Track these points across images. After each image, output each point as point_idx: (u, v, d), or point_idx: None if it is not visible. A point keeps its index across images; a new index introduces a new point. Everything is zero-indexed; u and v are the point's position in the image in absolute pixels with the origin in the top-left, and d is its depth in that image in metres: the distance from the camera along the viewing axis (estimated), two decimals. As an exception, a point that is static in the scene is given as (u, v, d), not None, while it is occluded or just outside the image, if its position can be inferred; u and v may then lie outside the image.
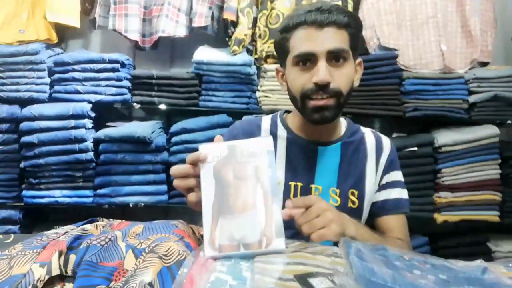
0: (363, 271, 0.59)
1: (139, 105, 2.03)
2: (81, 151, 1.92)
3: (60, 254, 0.58)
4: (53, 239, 0.64)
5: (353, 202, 1.01)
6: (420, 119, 2.05)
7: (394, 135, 2.11)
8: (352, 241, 0.71)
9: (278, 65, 1.04)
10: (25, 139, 1.91)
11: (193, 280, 0.54)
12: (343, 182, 1.01)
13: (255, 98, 2.03)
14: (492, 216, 2.00)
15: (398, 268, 0.64)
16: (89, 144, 1.94)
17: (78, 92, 1.97)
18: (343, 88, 0.91)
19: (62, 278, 0.57)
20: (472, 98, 2.00)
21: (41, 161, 1.92)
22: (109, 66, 1.97)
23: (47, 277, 0.54)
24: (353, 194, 1.01)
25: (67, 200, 1.97)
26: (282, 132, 1.05)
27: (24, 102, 1.96)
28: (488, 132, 1.98)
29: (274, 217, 0.66)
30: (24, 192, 1.97)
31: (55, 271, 0.55)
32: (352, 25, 0.92)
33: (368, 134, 1.09)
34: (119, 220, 0.79)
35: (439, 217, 1.99)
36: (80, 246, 0.60)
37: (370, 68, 1.99)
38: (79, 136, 1.90)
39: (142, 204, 1.98)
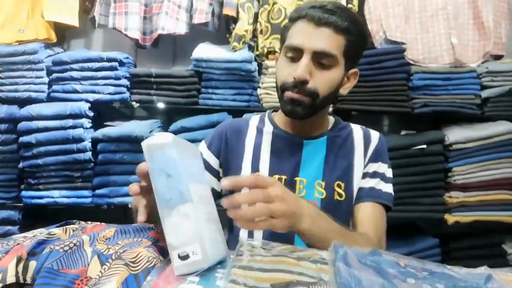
0: (348, 280, 0.54)
1: (137, 104, 2.00)
2: (79, 151, 1.91)
3: (19, 260, 0.54)
4: (18, 244, 0.61)
5: (339, 195, 0.97)
6: (430, 116, 1.99)
7: (403, 132, 2.04)
8: (341, 245, 0.66)
9: (278, 52, 1.04)
10: (23, 139, 1.91)
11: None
12: (328, 175, 0.98)
13: (256, 95, 1.98)
14: (507, 216, 1.92)
15: (390, 276, 0.58)
16: (87, 144, 1.92)
17: (76, 91, 1.96)
18: (322, 90, 0.90)
19: (21, 286, 0.53)
20: (485, 93, 1.93)
21: (40, 161, 1.91)
22: (107, 64, 1.95)
23: (1, 285, 0.50)
24: (339, 186, 0.98)
25: (65, 200, 1.96)
26: (268, 128, 1.05)
27: (22, 102, 1.96)
28: (502, 128, 1.90)
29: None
30: (23, 193, 1.97)
31: (11, 279, 0.52)
32: (353, 32, 0.89)
33: (357, 129, 1.07)
34: (95, 223, 0.75)
35: (450, 218, 1.92)
36: (43, 252, 0.57)
37: (376, 63, 1.93)
38: (76, 136, 1.89)
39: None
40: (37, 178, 1.95)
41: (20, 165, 1.94)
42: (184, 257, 0.55)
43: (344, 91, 0.97)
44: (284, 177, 0.98)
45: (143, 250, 0.58)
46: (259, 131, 1.05)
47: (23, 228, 2.00)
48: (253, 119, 1.09)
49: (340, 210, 0.96)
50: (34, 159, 1.92)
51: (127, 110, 2.23)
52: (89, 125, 1.95)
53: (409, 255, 0.72)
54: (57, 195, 1.95)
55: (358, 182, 1.00)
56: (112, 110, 2.14)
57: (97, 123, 2.01)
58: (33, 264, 0.55)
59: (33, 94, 1.97)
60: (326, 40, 0.87)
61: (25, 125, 1.89)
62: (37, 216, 2.09)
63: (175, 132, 1.95)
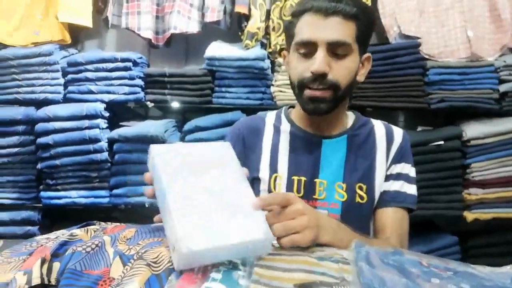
0: (372, 280, 0.53)
1: (152, 104, 2.01)
2: (96, 151, 1.93)
3: (44, 261, 0.55)
4: (41, 245, 0.61)
5: (361, 197, 0.95)
6: (447, 111, 1.96)
7: (419, 128, 2.01)
8: (363, 244, 0.65)
9: (285, 50, 1.02)
10: (41, 140, 1.93)
11: (180, 291, 0.50)
12: (349, 176, 0.96)
13: (270, 93, 1.98)
14: (527, 213, 1.88)
15: (413, 276, 0.57)
16: (104, 144, 1.94)
17: (91, 92, 1.98)
18: (342, 81, 0.88)
19: (45, 287, 0.54)
20: (502, 87, 1.89)
21: (57, 162, 1.94)
22: (121, 65, 1.97)
23: (26, 286, 0.51)
24: (361, 188, 0.95)
25: (83, 200, 1.98)
26: (285, 126, 1.03)
27: (39, 104, 1.99)
28: (521, 123, 1.86)
29: (252, 208, 0.62)
30: (42, 193, 2.00)
31: (36, 280, 0.52)
32: (361, 17, 0.87)
33: (378, 126, 1.03)
34: (115, 224, 0.75)
35: (469, 215, 1.89)
36: (66, 253, 0.57)
37: (390, 58, 1.90)
38: (93, 136, 1.91)
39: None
40: (55, 178, 1.98)
41: (38, 166, 1.96)
42: (173, 250, 0.56)
43: (360, 77, 0.95)
44: (303, 178, 0.96)
45: (164, 250, 0.58)
46: (276, 130, 1.03)
47: (42, 228, 2.03)
48: (269, 117, 1.07)
49: (361, 213, 0.95)
50: (51, 160, 1.94)
51: (141, 110, 2.25)
52: (105, 125, 1.96)
53: (428, 253, 0.71)
54: (75, 195, 1.98)
55: (380, 183, 0.97)
56: (127, 110, 2.16)
57: (112, 123, 2.02)
58: (56, 265, 0.55)
59: (49, 96, 2.00)
60: (338, 29, 0.85)
61: (42, 126, 1.92)
62: (56, 216, 2.11)
63: (190, 132, 1.95)
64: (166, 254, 0.57)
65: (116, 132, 1.94)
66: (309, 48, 0.87)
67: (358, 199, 0.95)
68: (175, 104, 2.01)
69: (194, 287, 0.52)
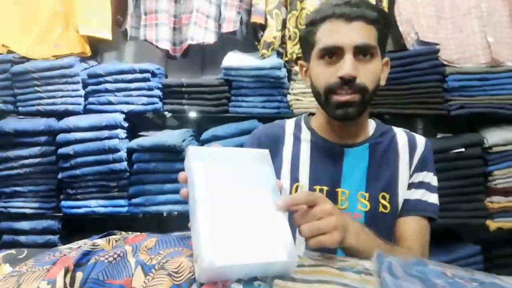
0: (395, 292, 0.52)
1: (170, 114, 2.04)
2: (115, 161, 1.95)
3: (67, 271, 0.55)
4: (64, 255, 0.62)
5: (384, 207, 0.94)
6: (467, 118, 1.92)
7: (439, 135, 1.98)
8: (385, 255, 0.64)
9: (302, 60, 1.01)
10: (62, 150, 1.97)
11: (202, 301, 0.50)
12: (372, 186, 0.95)
13: (286, 102, 1.98)
14: (552, 221, 1.82)
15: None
16: (123, 154, 1.96)
17: (111, 103, 2.01)
18: (369, 84, 0.88)
19: (68, 297, 0.54)
20: (524, 93, 1.84)
21: (77, 172, 1.97)
22: (139, 76, 1.99)
23: (50, 296, 0.51)
24: (384, 198, 0.94)
25: (102, 210, 2.00)
26: (305, 135, 1.02)
27: (60, 115, 2.03)
28: (544, 129, 1.81)
29: (280, 226, 0.60)
30: (63, 203, 2.02)
31: (59, 290, 0.53)
32: (381, 21, 0.89)
33: (400, 134, 1.02)
34: (136, 233, 0.76)
35: (492, 224, 1.84)
36: (88, 263, 0.58)
37: (408, 65, 1.88)
38: (112, 146, 1.94)
39: (176, 212, 1.98)
40: (75, 188, 2.01)
41: (59, 175, 2.00)
42: (196, 262, 0.55)
43: (382, 81, 0.95)
44: (325, 188, 0.95)
45: (185, 260, 0.58)
46: (297, 139, 1.02)
47: (62, 237, 2.06)
48: (289, 124, 1.06)
49: (384, 223, 0.93)
50: (72, 170, 1.97)
51: (159, 120, 2.27)
52: (124, 135, 1.99)
53: (450, 263, 0.69)
54: (94, 205, 2.00)
55: (403, 192, 0.96)
56: (145, 121, 2.18)
57: (131, 134, 2.05)
58: (79, 275, 0.56)
59: (70, 107, 2.03)
60: (363, 33, 0.86)
61: (63, 137, 1.96)
62: (75, 225, 2.14)
63: (207, 141, 1.97)
64: (187, 264, 0.57)
65: (135, 142, 1.96)
66: (334, 54, 0.87)
67: (381, 209, 0.94)
68: (192, 114, 2.02)
69: (215, 297, 0.52)
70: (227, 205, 0.59)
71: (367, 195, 0.94)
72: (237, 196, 0.61)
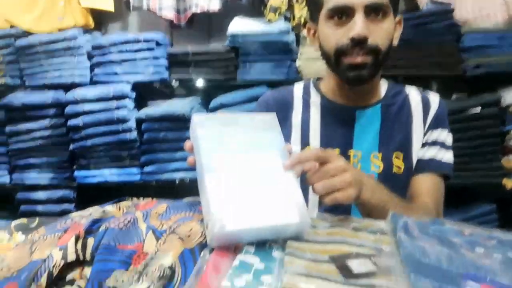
0: (412, 251, 0.51)
1: (177, 83, 2.01)
2: (125, 131, 1.96)
3: (78, 238, 0.55)
4: (75, 223, 0.62)
5: (398, 167, 0.92)
6: (483, 78, 1.85)
7: (454, 96, 1.93)
8: (400, 215, 0.63)
9: (309, 23, 0.97)
10: (71, 122, 1.98)
11: (214, 265, 0.49)
12: (385, 146, 0.93)
13: (295, 67, 1.93)
14: None
15: (456, 246, 0.54)
16: (132, 124, 1.96)
17: (117, 74, 2.00)
18: (382, 44, 0.83)
19: (81, 263, 0.54)
20: (543, 50, 1.77)
21: (88, 142, 1.98)
22: (144, 45, 1.97)
23: (62, 262, 0.51)
24: (397, 157, 0.92)
25: (116, 178, 2.03)
26: (315, 98, 1.00)
27: (67, 87, 2.02)
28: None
29: (291, 188, 0.59)
30: (76, 173, 2.06)
31: (71, 256, 0.53)
32: None
33: (413, 93, 0.99)
34: (147, 199, 0.75)
35: (509, 182, 1.81)
36: (99, 230, 0.57)
37: (422, 25, 1.81)
38: (121, 117, 1.94)
39: (188, 179, 1.99)
40: (87, 158, 2.03)
41: (71, 147, 2.02)
42: (207, 227, 0.55)
43: (395, 41, 0.90)
44: (337, 150, 0.93)
45: (196, 225, 0.58)
46: (306, 103, 0.99)
47: (78, 205, 2.10)
48: (297, 88, 1.03)
49: (399, 184, 0.91)
50: (83, 141, 1.99)
51: (167, 90, 2.25)
52: (132, 105, 1.98)
53: (465, 221, 0.68)
54: (108, 174, 2.03)
55: (417, 152, 0.93)
56: (153, 91, 2.16)
57: (139, 104, 2.04)
58: (90, 241, 0.56)
59: (77, 79, 2.02)
60: None
61: (72, 108, 1.96)
62: (90, 194, 2.15)
63: (215, 109, 1.95)
64: (198, 229, 0.57)
65: (144, 112, 1.96)
66: (344, 14, 0.83)
67: (395, 169, 0.92)
68: (200, 83, 2.00)
69: (227, 260, 0.52)
70: (235, 170, 0.58)
71: (380, 155, 0.92)
72: (245, 161, 0.59)
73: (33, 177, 2.09)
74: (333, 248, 0.54)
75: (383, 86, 0.99)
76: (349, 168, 0.66)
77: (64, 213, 2.02)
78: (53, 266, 0.51)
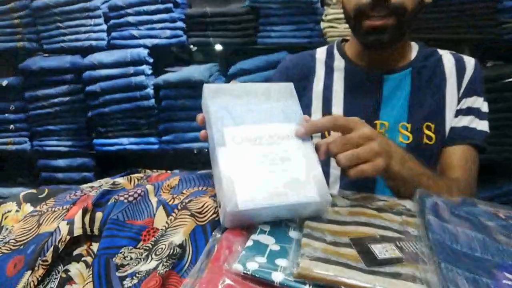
0: (442, 236, 0.46)
1: (195, 48, 1.96)
2: (143, 98, 1.94)
3: (85, 211, 0.53)
4: (85, 194, 0.60)
5: (428, 138, 0.85)
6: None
7: (489, 64, 1.81)
8: (428, 194, 0.58)
9: None
10: (89, 88, 1.97)
11: (226, 245, 0.46)
12: (415, 115, 0.86)
13: (319, 29, 1.83)
14: None
15: (490, 231, 0.50)
16: (150, 91, 1.94)
17: (134, 37, 1.96)
18: (408, 3, 0.75)
19: (89, 237, 0.53)
20: None
21: (106, 109, 1.98)
22: (161, 6, 1.91)
23: (68, 237, 0.50)
24: (428, 128, 0.85)
25: (134, 147, 2.03)
26: (339, 63, 0.93)
27: (84, 51, 2.00)
28: None
29: (310, 164, 0.54)
30: (95, 141, 2.07)
31: (78, 231, 0.51)
32: None
33: (447, 56, 0.91)
34: (160, 171, 0.73)
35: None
36: (108, 203, 0.55)
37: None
38: (139, 83, 1.91)
39: (206, 149, 1.97)
40: (106, 126, 2.03)
41: (89, 114, 2.02)
42: (219, 206, 0.51)
43: None
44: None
45: (209, 200, 0.55)
46: (329, 68, 0.93)
47: (97, 174, 2.13)
48: (320, 52, 0.97)
49: (429, 157, 0.85)
50: (101, 108, 1.98)
51: (185, 55, 2.20)
52: (149, 71, 1.95)
53: (492, 199, 0.62)
54: (126, 142, 2.03)
55: (450, 121, 0.86)
56: (170, 55, 2.12)
57: (157, 70, 2.00)
58: (99, 215, 0.54)
59: (94, 42, 2.00)
60: None
61: (89, 74, 1.95)
62: (110, 163, 2.19)
63: (234, 75, 1.89)
64: (211, 205, 0.54)
65: (161, 78, 1.92)
66: None
67: (425, 140, 0.85)
68: (218, 46, 1.93)
69: (240, 239, 0.49)
70: (249, 144, 0.54)
71: (409, 126, 0.86)
72: (259, 134, 0.55)
73: (52, 144, 2.11)
74: (354, 229, 0.51)
75: (414, 49, 0.92)
76: (376, 136, 0.58)
77: (84, 181, 2.07)
78: (59, 241, 0.49)
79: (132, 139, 2.02)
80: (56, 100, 2.03)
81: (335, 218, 0.53)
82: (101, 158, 2.15)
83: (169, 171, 0.74)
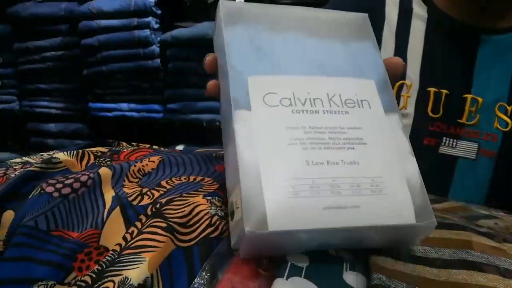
0: None
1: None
2: (147, 56, 1.74)
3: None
4: (5, 175, 0.39)
5: None
6: None
7: None
8: None
9: None
10: (86, 41, 1.78)
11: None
12: None
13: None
14: None
15: None
16: (155, 48, 1.74)
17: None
18: None
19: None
20: None
21: (104, 68, 1.79)
22: None
23: None
24: None
25: (135, 114, 1.87)
26: (419, 9, 0.70)
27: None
28: None
29: (400, 153, 0.31)
30: (91, 104, 1.91)
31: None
32: None
33: None
34: (142, 146, 0.52)
35: None
36: (30, 196, 0.34)
37: None
38: (143, 37, 1.71)
39: (218, 123, 1.78)
40: (103, 87, 1.87)
41: (85, 71, 1.84)
42: (231, 218, 0.29)
43: None
44: (444, 91, 0.67)
45: (202, 202, 0.33)
46: (405, 13, 0.71)
47: (93, 143, 1.96)
48: None
49: None
50: (98, 66, 1.80)
51: (199, 8, 1.98)
52: (156, 25, 1.75)
53: None
54: (126, 108, 1.87)
55: None
56: (183, 8, 1.90)
57: (166, 25, 1.80)
58: (9, 215, 0.32)
59: (92, -12, 1.80)
60: None
61: (86, 24, 1.76)
62: (107, 131, 2.01)
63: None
64: (204, 210, 0.32)
65: (170, 34, 1.72)
66: None
67: None
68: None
69: (254, 285, 0.27)
70: (292, 110, 0.31)
71: (510, 108, 0.66)
72: (311, 95, 0.32)
73: (43, 105, 1.97)
74: (464, 278, 0.28)
75: None
76: None
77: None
78: None
79: (133, 105, 1.85)
80: (48, 54, 1.86)
81: (432, 254, 0.31)
82: (98, 126, 1.99)
83: (151, 148, 0.52)
